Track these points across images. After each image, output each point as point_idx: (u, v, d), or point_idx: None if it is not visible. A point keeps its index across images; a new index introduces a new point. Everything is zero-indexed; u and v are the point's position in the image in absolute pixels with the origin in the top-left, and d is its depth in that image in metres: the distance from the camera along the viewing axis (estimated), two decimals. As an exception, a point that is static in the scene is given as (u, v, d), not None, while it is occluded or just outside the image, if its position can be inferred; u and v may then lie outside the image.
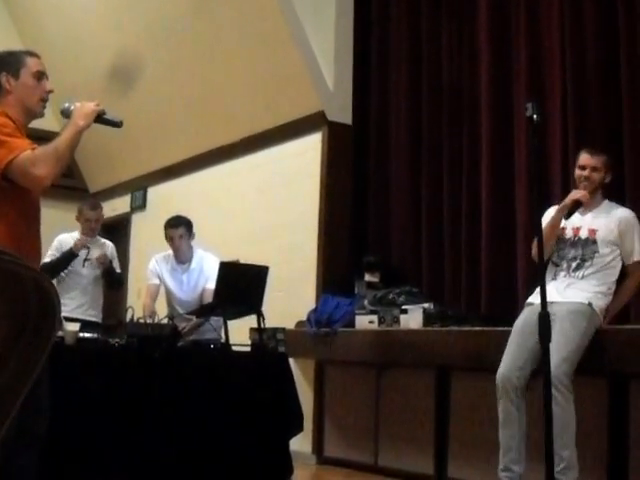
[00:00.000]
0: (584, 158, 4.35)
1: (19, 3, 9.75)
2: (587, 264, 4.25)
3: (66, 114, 3.14)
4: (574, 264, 4.28)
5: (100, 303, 6.26)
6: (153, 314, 5.28)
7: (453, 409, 5.21)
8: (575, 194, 4.26)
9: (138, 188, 9.16)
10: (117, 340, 4.57)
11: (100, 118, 3.19)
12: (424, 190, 5.95)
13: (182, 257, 5.82)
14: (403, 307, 5.46)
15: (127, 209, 9.35)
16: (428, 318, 5.29)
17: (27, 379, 1.20)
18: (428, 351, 5.10)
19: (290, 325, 6.01)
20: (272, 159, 7.05)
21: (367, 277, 6.01)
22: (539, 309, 3.78)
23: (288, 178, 6.84)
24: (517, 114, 5.25)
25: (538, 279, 3.45)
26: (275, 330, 5.23)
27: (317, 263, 6.43)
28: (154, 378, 4.48)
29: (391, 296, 5.66)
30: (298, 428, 5.04)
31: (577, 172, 4.37)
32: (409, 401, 5.48)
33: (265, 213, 7.04)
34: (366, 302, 5.80)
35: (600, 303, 4.19)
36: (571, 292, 4.20)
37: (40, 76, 3.22)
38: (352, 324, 5.75)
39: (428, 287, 5.79)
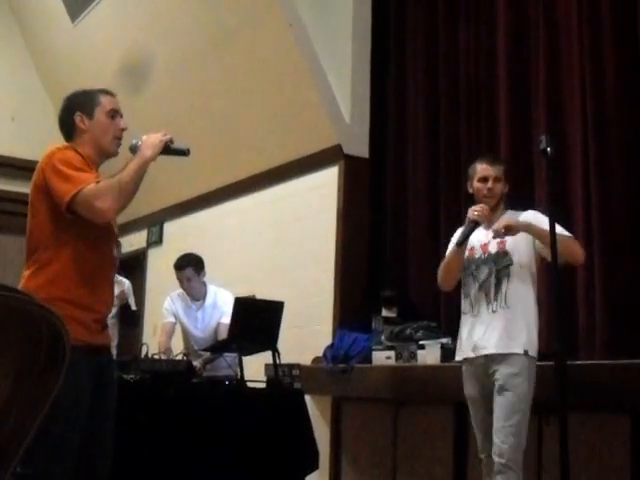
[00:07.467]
0: (484, 169, 4.01)
1: (41, 45, 9.88)
2: (504, 281, 3.87)
3: (134, 150, 3.15)
4: (492, 283, 3.90)
5: (115, 340, 6.23)
6: (168, 351, 5.27)
7: (472, 445, 5.12)
8: (472, 215, 3.88)
9: (154, 223, 9.17)
10: (131, 376, 4.55)
11: (167, 149, 3.19)
12: (442, 224, 5.90)
13: (194, 296, 5.81)
14: (420, 342, 5.39)
15: (144, 244, 9.35)
16: (446, 353, 5.22)
17: (33, 421, 1.17)
18: (446, 387, 5.02)
19: (306, 361, 5.96)
20: (289, 193, 7.04)
21: (384, 312, 5.95)
22: (481, 368, 3.84)
23: (305, 212, 6.82)
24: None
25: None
26: (291, 366, 5.18)
27: (334, 298, 6.37)
28: (168, 414, 4.45)
29: (408, 331, 5.59)
30: (314, 465, 4.99)
31: (477, 185, 4.01)
32: (427, 438, 5.41)
33: (282, 248, 7.01)
34: (383, 337, 5.73)
35: (532, 337, 3.86)
36: (501, 333, 3.81)
37: (114, 114, 3.24)
38: (369, 360, 5.68)
39: (446, 322, 5.72)
